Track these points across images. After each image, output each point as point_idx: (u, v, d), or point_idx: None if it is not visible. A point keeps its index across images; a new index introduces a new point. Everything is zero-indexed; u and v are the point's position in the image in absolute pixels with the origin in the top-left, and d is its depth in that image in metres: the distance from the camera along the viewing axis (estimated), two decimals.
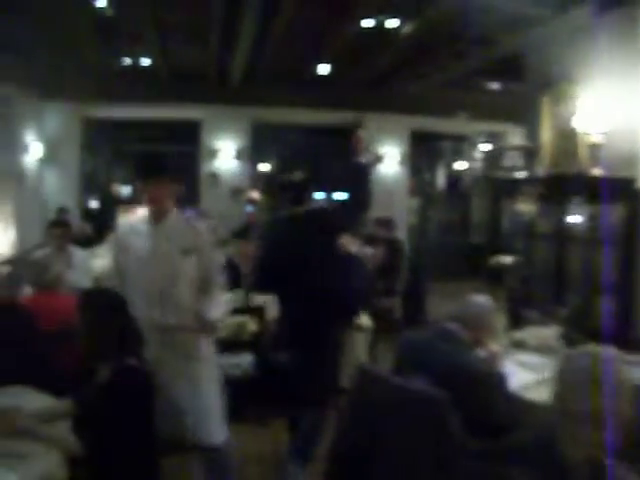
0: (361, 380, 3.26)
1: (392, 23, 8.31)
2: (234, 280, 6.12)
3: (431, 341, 3.43)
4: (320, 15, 8.32)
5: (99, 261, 7.80)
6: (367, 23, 8.28)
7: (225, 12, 7.90)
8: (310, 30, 8.95)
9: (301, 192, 4.47)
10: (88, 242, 8.93)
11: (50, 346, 3.95)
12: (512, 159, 6.21)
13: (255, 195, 12.24)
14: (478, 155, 14.92)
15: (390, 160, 13.03)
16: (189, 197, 12.23)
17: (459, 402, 2.79)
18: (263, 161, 14.36)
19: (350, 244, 4.59)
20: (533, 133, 6.30)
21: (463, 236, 14.95)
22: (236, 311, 5.21)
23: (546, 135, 6.26)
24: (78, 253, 6.31)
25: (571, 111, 5.89)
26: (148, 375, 2.90)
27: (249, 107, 11.93)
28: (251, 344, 5.19)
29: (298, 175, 4.58)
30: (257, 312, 5.22)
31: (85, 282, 5.93)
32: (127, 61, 10.46)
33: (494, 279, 11.00)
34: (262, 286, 5.08)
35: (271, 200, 12.89)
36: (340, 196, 13.47)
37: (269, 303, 5.47)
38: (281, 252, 4.39)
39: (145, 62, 10.39)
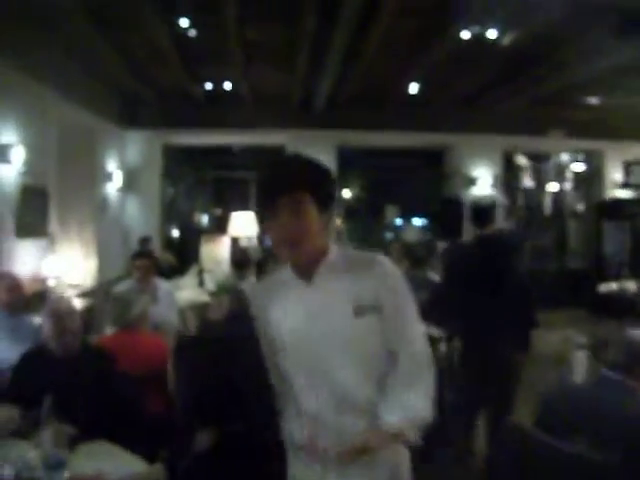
0: (516, 444, 2.64)
1: (492, 34, 7.70)
2: None
3: (592, 392, 2.79)
4: (414, 30, 7.82)
5: (184, 293, 7.42)
6: (465, 35, 7.70)
7: (315, 31, 7.49)
8: (402, 47, 8.44)
9: (488, 216, 4.88)
10: (171, 273, 8.61)
11: (134, 392, 3.49)
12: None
13: (337, 222, 11.75)
14: (572, 174, 14.18)
15: (482, 182, 12.32)
16: None
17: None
18: (347, 186, 13.87)
19: None
20: None
21: (559, 261, 14.02)
22: None
23: None
24: (163, 286, 5.87)
25: None
26: (257, 444, 2.29)
27: (334, 131, 11.45)
28: None
29: (486, 200, 4.58)
30: None
31: (171, 317, 5.52)
32: (209, 86, 10.13)
33: (601, 308, 10.20)
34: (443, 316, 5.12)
35: (353, 227, 12.39)
36: (423, 221, 13.00)
37: None
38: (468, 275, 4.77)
39: (227, 86, 10.03)
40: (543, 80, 9.65)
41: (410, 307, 2.11)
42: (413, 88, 9.91)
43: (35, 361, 3.37)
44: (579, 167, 14.11)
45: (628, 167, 5.17)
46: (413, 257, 8.46)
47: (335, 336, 2.04)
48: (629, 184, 5.36)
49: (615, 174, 13.22)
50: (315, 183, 2.04)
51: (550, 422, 2.84)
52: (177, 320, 5.65)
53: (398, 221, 13.67)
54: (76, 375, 3.22)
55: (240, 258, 7.47)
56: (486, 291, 4.58)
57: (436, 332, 5.23)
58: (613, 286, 9.54)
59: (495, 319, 4.56)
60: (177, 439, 2.99)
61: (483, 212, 4.93)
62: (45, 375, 3.19)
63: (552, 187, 14.51)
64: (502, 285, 4.60)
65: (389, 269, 2.09)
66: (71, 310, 3.46)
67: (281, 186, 1.99)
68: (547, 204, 14.74)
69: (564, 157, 13.98)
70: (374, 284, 2.05)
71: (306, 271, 2.08)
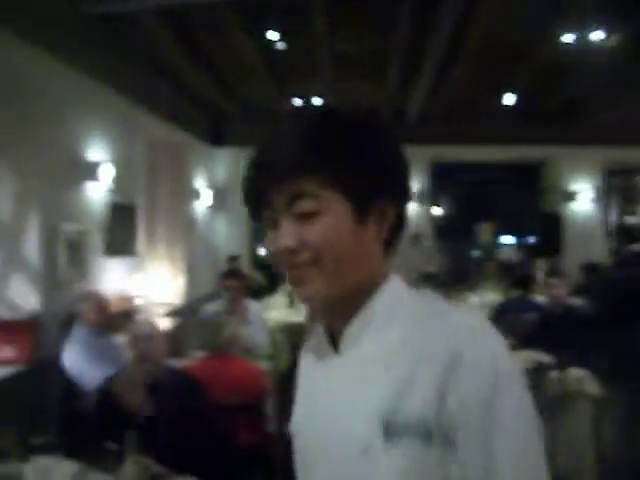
0: None
1: (596, 36, 7.19)
2: None
3: None
4: (510, 37, 7.42)
5: (274, 313, 7.16)
6: (567, 38, 7.22)
7: (408, 40, 7.19)
8: (498, 55, 8.04)
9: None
10: (260, 292, 8.39)
11: (225, 423, 3.21)
12: None
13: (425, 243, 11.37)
14: None
15: (583, 197, 11.70)
16: None
17: None
18: (438, 203, 13.40)
19: None
20: None
21: None
22: None
23: None
24: (253, 306, 5.61)
25: None
26: None
27: (427, 146, 11.05)
28: None
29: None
30: None
31: (262, 338, 5.25)
32: (298, 102, 9.91)
33: None
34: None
35: (446, 247, 11.92)
36: (528, 240, 12.39)
37: None
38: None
39: (317, 101, 9.80)
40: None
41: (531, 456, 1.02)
42: (508, 99, 9.43)
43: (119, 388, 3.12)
44: None
45: None
46: (513, 277, 8.01)
47: (346, 460, 1.07)
48: None
49: None
50: (348, 162, 1.10)
51: None
52: (268, 343, 5.37)
53: (489, 240, 13.06)
54: (161, 405, 2.96)
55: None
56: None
57: (546, 358, 4.84)
58: None
59: None
60: (274, 475, 2.70)
61: None
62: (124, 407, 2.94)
63: None
64: None
65: (491, 354, 1.02)
66: (154, 334, 3.20)
67: (275, 170, 1.10)
68: None
69: None
70: (444, 381, 0.99)
71: (338, 327, 1.16)
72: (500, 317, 6.63)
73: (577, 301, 7.80)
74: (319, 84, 9.01)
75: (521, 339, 5.60)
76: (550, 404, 4.43)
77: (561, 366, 4.47)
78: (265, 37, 7.15)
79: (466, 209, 14.03)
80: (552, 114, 10.81)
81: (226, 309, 5.11)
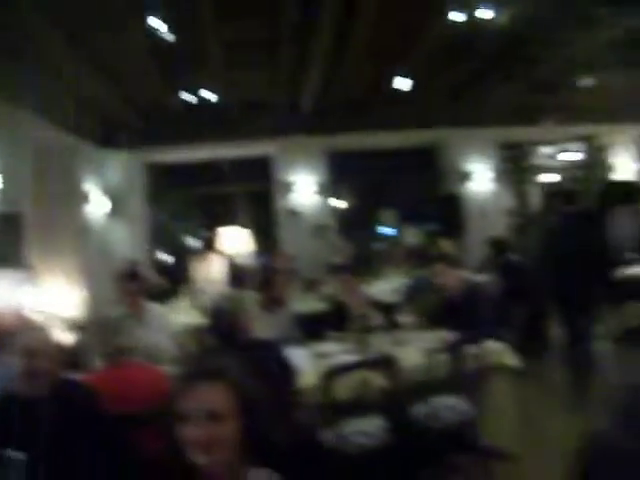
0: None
1: (484, 14, 7.21)
2: (340, 323, 5.16)
3: None
4: (401, 18, 7.35)
5: (180, 317, 6.90)
6: (455, 17, 7.21)
7: (296, 29, 7.04)
8: (389, 38, 7.96)
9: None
10: (163, 297, 8.09)
11: (126, 434, 2.96)
12: None
13: (334, 237, 11.28)
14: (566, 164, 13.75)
15: (480, 177, 11.85)
16: (264, 239, 11.33)
17: None
18: (341, 192, 13.27)
19: None
20: None
21: None
22: (357, 365, 4.05)
23: None
24: (155, 310, 5.32)
25: None
26: None
27: (324, 135, 10.94)
28: (380, 404, 4.07)
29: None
30: (383, 364, 4.06)
31: (166, 342, 4.97)
32: (189, 96, 9.53)
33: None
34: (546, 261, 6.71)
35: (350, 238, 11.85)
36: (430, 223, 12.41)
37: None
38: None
39: (209, 95, 9.46)
40: (536, 63, 9.21)
41: None
42: (404, 83, 9.38)
43: (5, 407, 2.82)
44: (572, 156, 13.69)
45: None
46: (420, 259, 8.03)
47: None
48: None
49: (613, 158, 12.83)
50: None
51: None
52: (172, 345, 5.10)
53: (389, 230, 12.96)
54: (52, 418, 2.69)
55: (235, 275, 6.99)
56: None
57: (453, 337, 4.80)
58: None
59: None
60: None
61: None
62: (14, 423, 2.64)
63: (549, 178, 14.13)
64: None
65: None
66: (43, 348, 2.91)
67: None
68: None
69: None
70: None
71: None
72: (409, 298, 6.60)
73: (483, 277, 7.86)
74: (210, 77, 8.74)
75: (429, 319, 5.57)
76: (470, 379, 4.37)
77: (475, 341, 4.40)
78: (150, 27, 6.80)
79: (367, 198, 13.99)
80: (444, 97, 10.88)
81: (124, 314, 4.82)
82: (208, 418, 1.68)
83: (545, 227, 7.96)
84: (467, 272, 8.19)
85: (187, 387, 1.74)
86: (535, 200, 14.36)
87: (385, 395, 3.99)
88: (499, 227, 11.54)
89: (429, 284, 6.26)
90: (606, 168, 12.82)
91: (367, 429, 3.96)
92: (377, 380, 4.05)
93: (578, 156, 13.64)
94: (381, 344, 4.80)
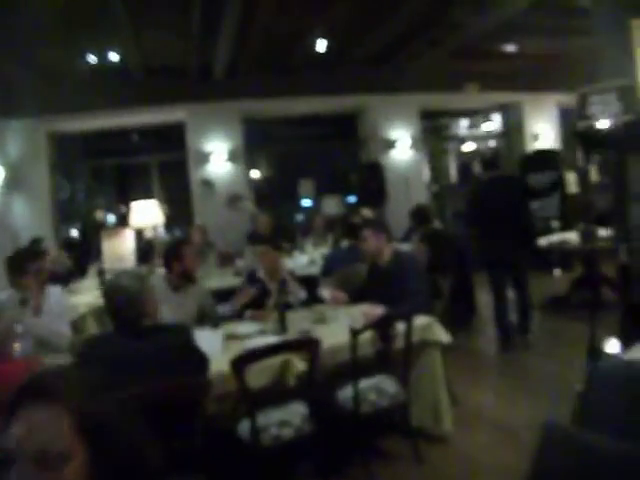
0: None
1: None
2: (259, 299, 4.77)
3: None
4: None
5: (84, 298, 6.38)
6: None
7: None
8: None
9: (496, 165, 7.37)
10: (69, 277, 7.53)
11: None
12: (602, 104, 4.69)
13: (249, 205, 10.83)
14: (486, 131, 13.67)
15: (401, 145, 11.57)
16: (181, 209, 10.85)
17: None
18: (257, 161, 12.80)
19: None
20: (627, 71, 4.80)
21: None
22: (272, 350, 3.63)
23: None
24: (56, 293, 4.78)
25: None
26: None
27: (238, 101, 10.41)
28: (301, 390, 3.70)
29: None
30: (304, 346, 3.67)
31: (62, 328, 4.47)
32: (96, 59, 8.84)
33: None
34: (472, 221, 7.45)
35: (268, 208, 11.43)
36: (351, 192, 12.10)
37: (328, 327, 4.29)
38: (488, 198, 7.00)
39: (116, 58, 8.83)
40: (459, 28, 8.94)
41: None
42: (321, 45, 8.95)
43: None
44: (494, 124, 13.62)
45: (585, 97, 4.48)
46: (341, 228, 7.68)
47: None
48: (586, 116, 4.61)
49: (534, 126, 12.77)
50: None
51: None
52: (69, 331, 4.59)
53: (307, 202, 12.56)
54: None
55: (144, 250, 6.49)
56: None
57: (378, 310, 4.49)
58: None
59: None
60: None
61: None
62: None
63: (469, 147, 14.07)
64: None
65: None
66: None
67: None
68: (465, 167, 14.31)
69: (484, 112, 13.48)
70: None
71: None
72: (330, 269, 6.23)
73: (406, 247, 7.58)
74: (117, 38, 8.14)
75: (352, 292, 5.23)
76: (399, 357, 4.06)
77: (404, 316, 4.07)
78: None
79: (285, 167, 13.57)
80: (365, 62, 10.52)
81: (14, 298, 4.30)
82: (37, 461, 1.06)
83: (469, 194, 8.05)
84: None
85: (11, 417, 1.13)
86: (454, 168, 14.32)
87: (307, 380, 3.63)
88: (421, 196, 11.35)
89: (354, 254, 5.93)
90: (527, 136, 12.75)
91: (286, 418, 3.59)
92: (297, 364, 3.68)
93: (499, 124, 13.56)
94: (302, 322, 4.43)
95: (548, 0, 8.18)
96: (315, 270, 6.85)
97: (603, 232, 8.43)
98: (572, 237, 8.76)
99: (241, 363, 3.29)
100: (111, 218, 12.58)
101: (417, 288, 4.73)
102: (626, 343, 4.76)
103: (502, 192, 7.01)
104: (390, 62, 10.52)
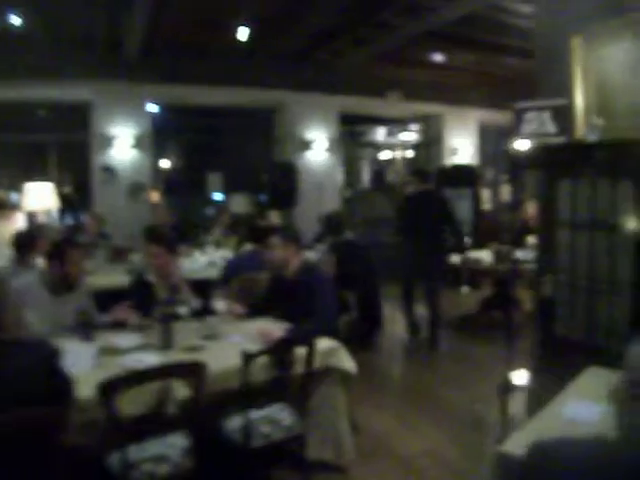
0: None
1: None
2: (145, 306, 4.22)
3: None
4: None
5: None
6: None
7: None
8: None
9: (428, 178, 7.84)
10: None
11: None
12: (537, 123, 4.35)
13: (154, 196, 10.18)
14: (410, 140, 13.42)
15: (318, 146, 11.15)
16: (81, 197, 10.11)
17: None
18: (166, 150, 12.14)
19: None
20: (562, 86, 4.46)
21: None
22: (148, 375, 3.09)
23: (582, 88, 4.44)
24: None
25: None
26: None
27: (147, 84, 9.71)
28: (183, 419, 3.18)
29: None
30: (188, 371, 3.14)
31: None
32: None
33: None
34: (398, 230, 7.79)
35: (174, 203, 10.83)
36: (262, 192, 11.52)
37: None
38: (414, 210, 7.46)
39: (16, 22, 7.98)
40: (387, 29, 8.58)
41: None
42: (242, 34, 8.40)
43: None
44: (413, 135, 13.39)
45: (520, 114, 4.15)
46: (246, 229, 7.19)
47: None
48: (520, 134, 4.29)
49: (454, 140, 12.61)
50: None
51: None
52: None
53: (218, 195, 11.98)
54: None
55: (23, 237, 5.80)
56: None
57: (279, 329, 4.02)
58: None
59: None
60: None
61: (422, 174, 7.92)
62: None
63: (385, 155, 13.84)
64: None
65: None
66: None
67: None
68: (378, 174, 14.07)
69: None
70: None
71: None
72: (230, 276, 5.71)
73: (313, 254, 7.18)
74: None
75: (252, 304, 4.77)
76: (297, 384, 3.61)
77: (306, 339, 3.63)
78: None
79: (196, 159, 12.94)
80: (287, 57, 10.05)
81: None
82: None
83: (398, 204, 8.58)
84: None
85: None
86: (367, 174, 14.05)
87: (189, 408, 3.12)
88: (334, 200, 10.99)
89: (257, 260, 5.44)
90: (446, 149, 12.57)
91: (164, 452, 3.08)
92: (179, 389, 3.17)
93: (419, 135, 13.34)
94: (191, 336, 3.92)
95: (481, 15, 7.94)
96: (214, 273, 6.28)
97: (519, 253, 8.29)
98: (485, 256, 8.58)
99: (110, 389, 2.77)
100: (15, 198, 11.67)
101: (324, 305, 4.31)
102: (539, 375, 4.51)
103: (426, 206, 7.46)
104: (313, 59, 10.08)
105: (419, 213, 7.45)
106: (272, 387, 3.50)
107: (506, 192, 13.94)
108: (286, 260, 4.58)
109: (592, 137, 3.95)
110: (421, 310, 7.77)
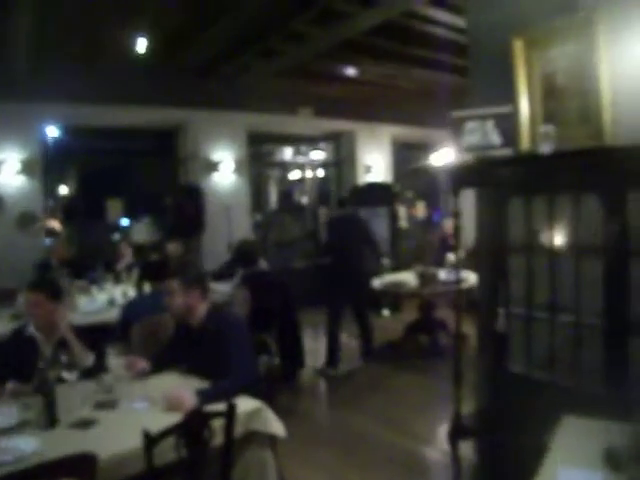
0: None
1: None
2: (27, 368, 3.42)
3: None
4: None
5: None
6: None
7: None
8: None
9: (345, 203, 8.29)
10: None
11: None
12: (480, 134, 3.78)
13: (55, 225, 9.25)
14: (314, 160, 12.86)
15: (225, 167, 10.44)
16: None
17: None
18: (60, 178, 11.15)
19: None
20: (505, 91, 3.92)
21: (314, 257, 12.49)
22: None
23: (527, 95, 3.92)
24: None
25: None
26: None
27: (39, 103, 8.70)
28: None
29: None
30: (72, 467, 2.34)
31: None
32: None
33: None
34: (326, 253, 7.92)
35: (72, 230, 9.92)
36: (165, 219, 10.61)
37: None
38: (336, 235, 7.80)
39: None
40: (295, 41, 8.01)
41: None
42: (140, 45, 7.61)
43: None
44: (323, 153, 12.87)
45: (459, 124, 3.64)
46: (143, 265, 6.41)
47: None
48: (462, 146, 3.71)
49: (367, 157, 12.15)
50: None
51: None
52: None
53: (124, 221, 11.06)
54: None
55: None
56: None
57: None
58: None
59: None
60: None
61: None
62: None
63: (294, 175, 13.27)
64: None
65: None
66: None
67: None
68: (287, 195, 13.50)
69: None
70: None
71: None
72: (132, 319, 4.88)
73: (222, 287, 6.54)
74: None
75: (156, 354, 4.04)
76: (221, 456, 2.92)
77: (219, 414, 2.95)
78: None
79: (95, 184, 11.94)
80: (189, 73, 9.30)
81: None
82: None
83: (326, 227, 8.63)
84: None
85: None
86: (275, 195, 13.46)
87: None
88: (243, 225, 10.32)
89: (159, 301, 4.58)
90: (359, 167, 12.08)
91: None
92: None
93: (330, 153, 12.81)
94: (80, 404, 3.16)
95: (396, 23, 7.46)
96: (114, 315, 5.42)
97: (443, 274, 7.95)
98: (408, 278, 8.13)
99: None
100: None
101: (239, 356, 3.61)
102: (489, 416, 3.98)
103: (346, 230, 7.70)
104: (218, 74, 9.35)
105: (342, 236, 7.66)
106: (184, 469, 2.78)
107: (421, 209, 13.61)
108: (189, 307, 3.85)
109: (546, 148, 3.40)
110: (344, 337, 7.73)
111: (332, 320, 7.48)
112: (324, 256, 8.00)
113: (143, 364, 3.80)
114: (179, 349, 3.95)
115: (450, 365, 4.09)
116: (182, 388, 3.32)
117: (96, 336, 4.17)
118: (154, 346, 4.34)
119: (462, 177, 3.85)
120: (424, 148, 12.85)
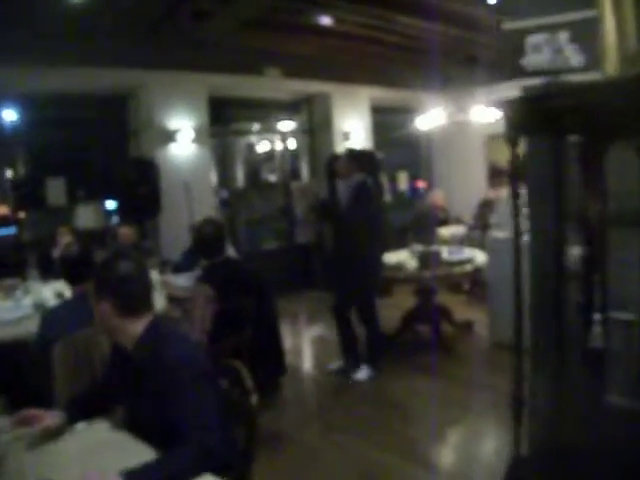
0: None
1: None
2: None
3: None
4: None
5: None
6: None
7: None
8: None
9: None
10: None
11: None
12: (550, 51, 2.54)
13: (3, 210, 8.15)
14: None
15: (183, 137, 9.05)
16: None
17: None
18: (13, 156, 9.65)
19: None
20: None
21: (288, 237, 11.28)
22: None
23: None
24: None
25: None
26: None
27: None
28: None
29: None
30: None
31: None
32: None
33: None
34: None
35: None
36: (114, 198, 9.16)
37: None
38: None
39: None
40: None
41: None
42: None
43: None
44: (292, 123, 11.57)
45: (520, 39, 2.60)
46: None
47: None
48: (528, 67, 2.58)
49: (345, 123, 10.87)
50: None
51: None
52: None
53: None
54: None
55: None
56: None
57: None
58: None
59: None
60: None
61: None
62: None
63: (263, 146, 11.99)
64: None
65: None
66: None
67: None
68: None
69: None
70: None
71: None
72: (54, 335, 3.47)
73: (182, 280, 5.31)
74: None
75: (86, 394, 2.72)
76: None
77: None
78: None
79: (37, 163, 10.45)
80: (142, 25, 7.85)
81: None
82: None
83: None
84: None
85: None
86: (242, 171, 12.14)
87: None
88: (207, 204, 8.99)
89: (86, 310, 3.13)
90: (336, 134, 10.79)
91: None
92: None
93: (302, 119, 11.49)
94: None
95: None
96: (33, 327, 4.00)
97: (445, 254, 6.83)
98: (404, 259, 6.95)
99: None
100: None
101: (195, 410, 2.25)
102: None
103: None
104: (173, 25, 7.91)
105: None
106: None
107: (403, 180, 12.47)
108: (114, 329, 2.51)
109: None
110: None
111: (342, 312, 6.24)
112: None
113: (56, 417, 2.47)
114: (116, 381, 2.63)
115: (462, 363, 2.99)
116: (102, 472, 2.00)
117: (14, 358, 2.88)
118: (85, 374, 3.07)
119: (526, 116, 2.56)
120: (408, 112, 11.60)
